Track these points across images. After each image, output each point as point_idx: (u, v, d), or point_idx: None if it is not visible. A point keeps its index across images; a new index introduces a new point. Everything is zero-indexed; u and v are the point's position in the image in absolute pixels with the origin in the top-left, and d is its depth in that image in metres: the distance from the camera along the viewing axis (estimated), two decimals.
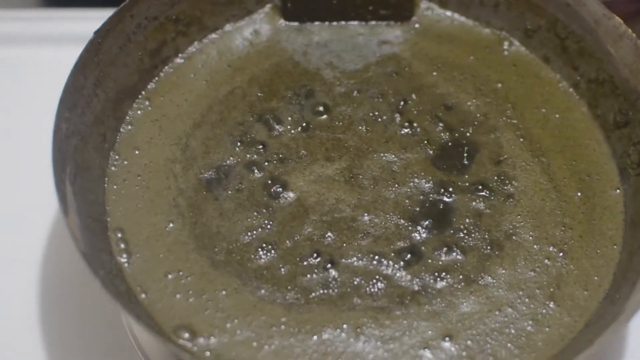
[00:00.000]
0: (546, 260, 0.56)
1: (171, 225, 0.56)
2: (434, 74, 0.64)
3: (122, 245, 0.55)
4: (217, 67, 0.63)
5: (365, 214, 0.57)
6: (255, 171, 0.58)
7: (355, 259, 0.55)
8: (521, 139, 0.60)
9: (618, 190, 0.58)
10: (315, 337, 0.53)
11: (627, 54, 0.59)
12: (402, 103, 0.62)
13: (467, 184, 0.58)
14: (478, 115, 0.62)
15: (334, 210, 0.57)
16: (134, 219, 0.56)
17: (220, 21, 0.64)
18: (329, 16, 0.66)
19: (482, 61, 0.65)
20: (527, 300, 0.54)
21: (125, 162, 0.58)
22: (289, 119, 0.61)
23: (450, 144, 0.60)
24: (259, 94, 0.62)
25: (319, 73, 0.63)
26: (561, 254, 0.56)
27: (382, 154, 0.59)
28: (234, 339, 0.52)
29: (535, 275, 0.55)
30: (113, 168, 0.58)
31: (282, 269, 0.54)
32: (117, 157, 0.58)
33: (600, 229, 0.57)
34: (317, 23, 0.66)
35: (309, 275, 0.54)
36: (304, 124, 0.61)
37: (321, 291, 0.54)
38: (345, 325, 0.53)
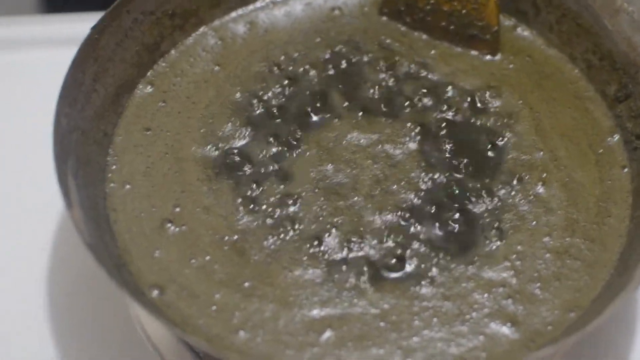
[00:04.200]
0: (550, 240, 0.56)
1: (171, 215, 0.56)
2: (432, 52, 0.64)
3: (127, 237, 0.55)
4: (213, 59, 0.63)
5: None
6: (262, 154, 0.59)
7: None
8: (525, 121, 0.60)
9: (626, 169, 0.58)
10: None
11: (624, 27, 0.59)
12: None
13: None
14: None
15: None
16: (136, 212, 0.56)
17: (216, 13, 0.64)
18: None
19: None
20: (535, 275, 0.54)
21: (126, 155, 0.58)
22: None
23: (458, 125, 0.61)
24: (258, 84, 0.62)
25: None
26: (569, 232, 0.56)
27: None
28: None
29: (546, 251, 0.55)
30: (114, 159, 0.58)
31: None
32: (117, 149, 0.58)
33: (607, 204, 0.57)
34: None
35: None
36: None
37: None
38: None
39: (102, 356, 0.59)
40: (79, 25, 0.60)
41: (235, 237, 0.55)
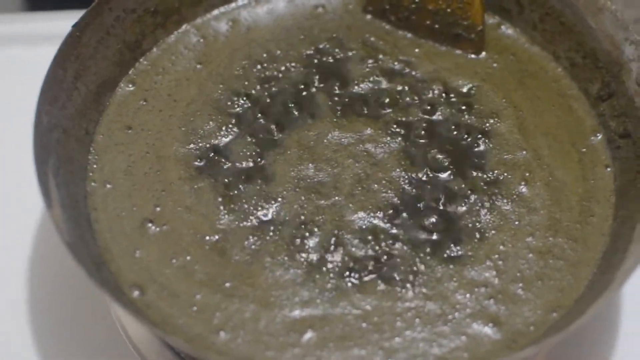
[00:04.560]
0: (533, 239, 0.55)
1: (152, 215, 0.56)
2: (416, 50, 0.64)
3: (108, 236, 0.55)
4: (195, 57, 0.63)
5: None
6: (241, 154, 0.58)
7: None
8: (509, 120, 0.60)
9: (609, 168, 0.58)
10: None
11: (608, 26, 0.59)
12: None
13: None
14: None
15: None
16: (117, 211, 0.56)
17: (199, 11, 0.64)
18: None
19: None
20: (518, 275, 0.54)
21: (107, 154, 0.58)
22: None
23: (444, 125, 0.60)
24: (241, 82, 0.62)
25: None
26: (552, 231, 0.56)
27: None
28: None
29: (529, 251, 0.55)
30: (95, 158, 0.58)
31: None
32: (98, 148, 0.58)
33: (590, 203, 0.57)
34: None
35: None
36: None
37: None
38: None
39: (83, 356, 0.59)
40: (61, 23, 0.60)
41: (216, 237, 0.55)
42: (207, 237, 0.55)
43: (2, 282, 0.62)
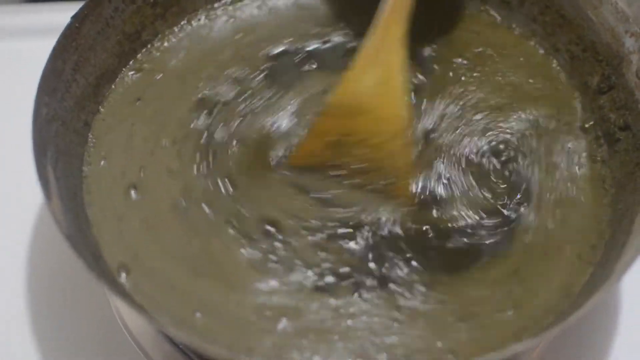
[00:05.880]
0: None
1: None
2: None
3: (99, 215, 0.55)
4: (196, 50, 0.63)
5: None
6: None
7: None
8: (511, 112, 0.60)
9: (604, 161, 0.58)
10: None
11: (608, 18, 0.59)
12: None
13: None
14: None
15: None
16: (111, 200, 0.56)
17: (198, 2, 0.64)
18: None
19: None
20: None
21: (104, 145, 0.58)
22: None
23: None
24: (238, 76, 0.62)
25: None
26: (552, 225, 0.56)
27: None
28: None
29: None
30: (92, 150, 0.58)
31: None
32: (96, 140, 0.58)
33: (586, 196, 0.57)
34: None
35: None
36: None
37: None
38: None
39: (82, 348, 0.59)
40: (60, 15, 0.60)
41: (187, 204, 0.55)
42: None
43: (0, 276, 0.61)
